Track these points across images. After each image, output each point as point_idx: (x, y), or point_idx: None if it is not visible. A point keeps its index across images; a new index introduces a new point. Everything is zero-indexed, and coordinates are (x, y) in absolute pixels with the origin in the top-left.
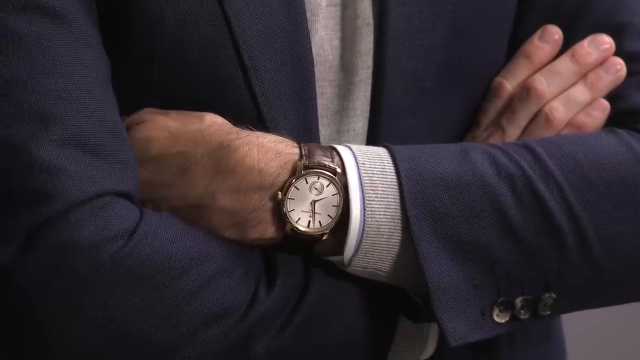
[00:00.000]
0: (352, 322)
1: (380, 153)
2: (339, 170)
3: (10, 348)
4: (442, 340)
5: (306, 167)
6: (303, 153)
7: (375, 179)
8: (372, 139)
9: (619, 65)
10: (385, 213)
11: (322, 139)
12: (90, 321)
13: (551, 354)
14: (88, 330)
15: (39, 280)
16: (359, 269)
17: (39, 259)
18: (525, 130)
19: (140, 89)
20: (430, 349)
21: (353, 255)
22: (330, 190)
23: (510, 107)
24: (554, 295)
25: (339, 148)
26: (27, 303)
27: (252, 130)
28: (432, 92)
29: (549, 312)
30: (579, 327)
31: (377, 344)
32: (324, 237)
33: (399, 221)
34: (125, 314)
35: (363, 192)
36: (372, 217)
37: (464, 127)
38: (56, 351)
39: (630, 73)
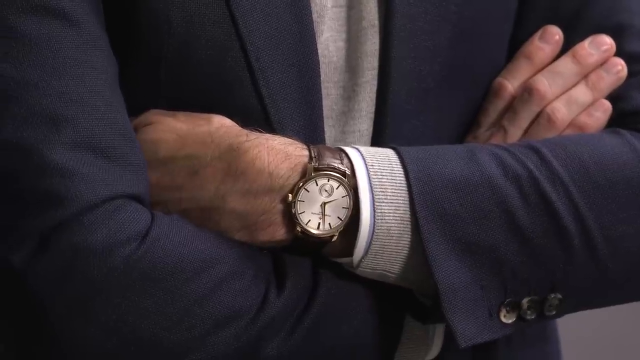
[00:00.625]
0: (360, 323)
1: (388, 155)
2: (348, 172)
3: (20, 349)
4: (446, 340)
5: (316, 170)
6: (312, 155)
7: (385, 180)
8: (377, 140)
9: (620, 66)
10: (395, 215)
11: (327, 141)
12: (103, 324)
13: (547, 354)
14: (101, 334)
15: (52, 283)
16: (368, 270)
17: (52, 262)
18: (526, 131)
19: (146, 90)
20: (435, 349)
21: (362, 257)
22: (340, 192)
23: (511, 107)
24: (559, 296)
25: (348, 150)
26: (40, 305)
27: (261, 132)
28: (436, 93)
29: (554, 313)
30: (575, 328)
31: (385, 345)
32: (333, 239)
33: (409, 223)
34: (138, 317)
35: (373, 193)
36: (382, 219)
37: (467, 128)
38: (69, 354)
39: (631, 74)
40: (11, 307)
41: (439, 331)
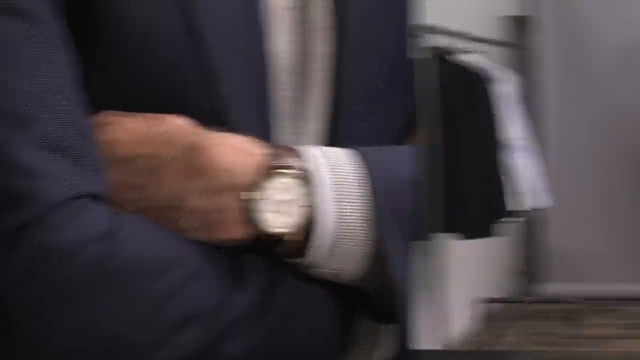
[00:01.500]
0: (317, 324)
1: (347, 154)
2: (308, 170)
3: None
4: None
5: (276, 168)
6: (272, 154)
7: (345, 179)
8: (329, 142)
9: None
10: (354, 214)
11: (280, 142)
12: (68, 325)
13: None
14: (65, 334)
15: (16, 283)
16: (325, 270)
17: (17, 262)
18: None
19: (101, 90)
20: (385, 350)
21: (320, 256)
22: (299, 191)
23: None
24: None
25: (307, 149)
26: (2, 306)
27: (219, 131)
28: (384, 94)
29: None
30: None
31: (341, 345)
32: (292, 238)
33: (368, 222)
34: (103, 317)
35: (332, 192)
36: (341, 218)
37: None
38: (32, 355)
39: None
40: None
41: (388, 332)
